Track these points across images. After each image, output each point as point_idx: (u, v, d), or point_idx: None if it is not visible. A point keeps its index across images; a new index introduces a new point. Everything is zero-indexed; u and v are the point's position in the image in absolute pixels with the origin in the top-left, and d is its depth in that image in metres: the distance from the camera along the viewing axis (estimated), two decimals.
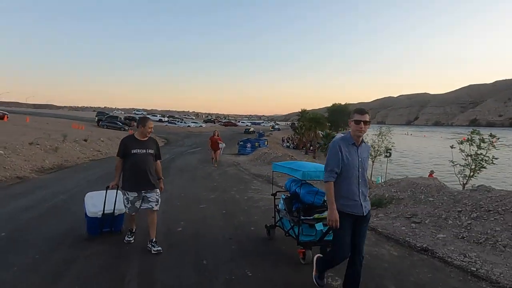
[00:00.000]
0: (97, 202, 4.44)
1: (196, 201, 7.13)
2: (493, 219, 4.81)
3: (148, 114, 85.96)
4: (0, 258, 3.70)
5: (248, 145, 23.64)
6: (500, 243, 4.29)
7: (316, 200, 3.99)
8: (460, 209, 5.32)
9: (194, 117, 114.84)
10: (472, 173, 11.16)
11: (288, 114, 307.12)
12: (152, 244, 4.02)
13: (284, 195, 4.53)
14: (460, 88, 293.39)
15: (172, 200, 6.96)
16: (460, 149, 11.43)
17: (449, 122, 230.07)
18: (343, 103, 63.45)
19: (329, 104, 65.82)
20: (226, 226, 5.33)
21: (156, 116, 74.67)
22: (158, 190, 4.16)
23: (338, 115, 56.95)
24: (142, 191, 4.03)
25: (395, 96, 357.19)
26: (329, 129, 43.47)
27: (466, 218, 5.07)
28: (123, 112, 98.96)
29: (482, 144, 10.87)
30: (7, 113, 32.78)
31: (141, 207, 4.09)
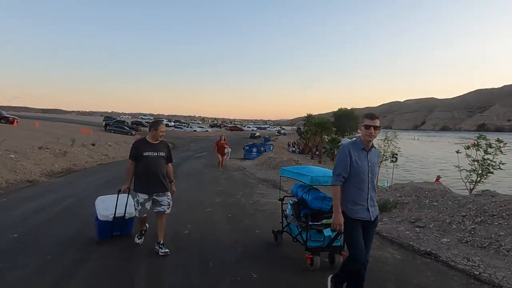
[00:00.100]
0: (108, 206, 4.45)
1: (202, 204, 7.23)
2: (497, 223, 4.84)
3: (154, 118, 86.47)
4: (12, 259, 3.82)
5: (254, 150, 23.77)
6: (503, 247, 4.32)
7: (324, 206, 3.97)
8: (464, 214, 5.35)
9: (200, 122, 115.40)
10: (479, 179, 11.09)
11: (294, 118, 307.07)
12: (160, 246, 4.11)
13: (292, 200, 4.53)
14: (468, 93, 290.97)
15: (179, 203, 7.04)
16: (466, 154, 11.37)
17: (456, 127, 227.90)
18: (349, 107, 63.42)
19: (335, 109, 65.86)
20: (232, 230, 5.41)
21: (163, 120, 75.00)
22: (169, 194, 4.22)
23: (344, 120, 56.91)
24: (153, 194, 4.09)
25: (402, 100, 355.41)
26: (335, 133, 43.43)
27: (470, 222, 5.09)
28: (130, 117, 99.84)
29: (489, 149, 10.81)
30: (16, 117, 33.31)
31: (153, 210, 4.14)
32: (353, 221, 2.77)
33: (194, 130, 60.22)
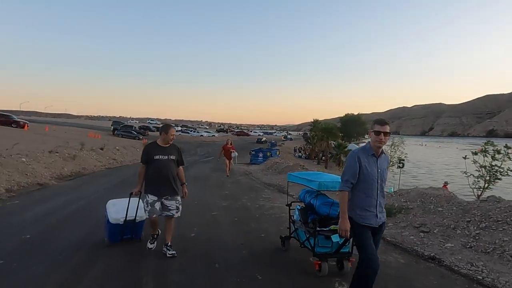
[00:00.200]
0: (119, 209, 4.49)
1: (209, 208, 7.33)
2: (501, 229, 4.85)
3: (161, 123, 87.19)
4: (23, 259, 3.95)
5: (260, 155, 23.85)
6: (507, 252, 4.33)
7: (332, 212, 3.93)
8: (469, 219, 5.36)
9: (207, 127, 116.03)
10: (486, 185, 11.02)
11: (301, 124, 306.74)
12: (167, 248, 4.21)
13: (299, 205, 4.54)
14: (476, 98, 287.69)
15: (186, 207, 7.12)
16: (473, 159, 11.31)
17: (465, 133, 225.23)
18: (356, 113, 63.23)
19: (342, 114, 65.71)
20: (237, 233, 5.50)
21: (173, 124, 75.49)
22: (179, 198, 4.28)
23: (351, 125, 56.71)
24: (163, 197, 4.16)
25: (409, 106, 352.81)
26: (341, 139, 43.31)
27: (475, 228, 5.11)
28: (137, 122, 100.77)
29: (497, 155, 10.76)
30: (27, 122, 33.87)
31: (162, 214, 4.20)
32: (361, 227, 2.79)
33: (201, 135, 60.53)
